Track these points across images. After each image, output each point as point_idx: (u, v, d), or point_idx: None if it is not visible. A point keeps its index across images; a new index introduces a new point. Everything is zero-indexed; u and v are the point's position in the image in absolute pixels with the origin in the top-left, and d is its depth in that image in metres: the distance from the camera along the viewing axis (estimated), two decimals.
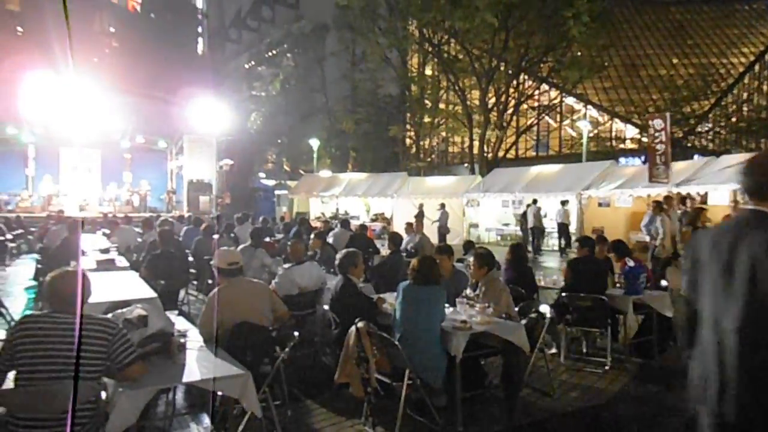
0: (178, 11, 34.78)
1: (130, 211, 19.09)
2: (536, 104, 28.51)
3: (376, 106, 32.33)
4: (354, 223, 13.73)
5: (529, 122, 28.99)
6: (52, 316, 2.69)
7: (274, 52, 37.10)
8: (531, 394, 4.50)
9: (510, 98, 25.77)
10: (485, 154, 25.15)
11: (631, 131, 30.47)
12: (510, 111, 26.15)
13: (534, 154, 32.37)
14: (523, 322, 4.23)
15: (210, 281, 7.46)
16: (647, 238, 9.70)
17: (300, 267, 5.58)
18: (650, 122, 14.77)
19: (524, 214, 16.11)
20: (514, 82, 25.60)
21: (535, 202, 15.70)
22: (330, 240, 9.23)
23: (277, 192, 33.20)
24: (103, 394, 2.76)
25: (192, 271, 8.38)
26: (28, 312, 7.15)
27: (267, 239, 8.28)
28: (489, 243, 17.64)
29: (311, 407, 4.22)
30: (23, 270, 11.46)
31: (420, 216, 16.41)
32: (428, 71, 30.74)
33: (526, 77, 26.69)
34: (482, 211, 19.33)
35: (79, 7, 24.86)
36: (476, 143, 25.57)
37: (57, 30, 16.70)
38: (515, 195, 17.36)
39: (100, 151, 20.94)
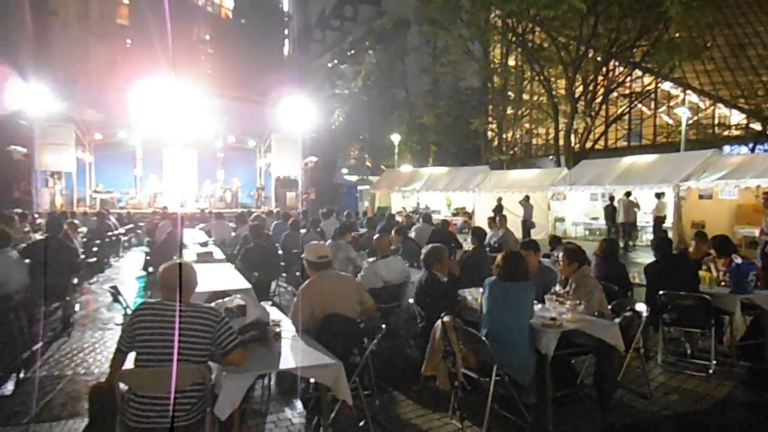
0: (266, 15, 36.34)
1: (223, 207, 20.29)
2: (628, 91, 26.83)
3: (458, 100, 31.97)
4: (435, 218, 13.74)
5: (619, 111, 27.40)
6: (165, 303, 2.94)
7: (356, 49, 37.73)
8: (626, 396, 4.30)
9: (599, 86, 24.51)
10: (572, 146, 24.13)
11: (736, 117, 27.91)
12: (599, 99, 24.88)
13: (625, 144, 30.54)
14: (617, 320, 4.05)
15: (298, 273, 7.76)
16: None
17: (385, 261, 5.68)
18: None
19: (609, 208, 15.27)
20: (604, 69, 24.30)
21: (628, 194, 14.84)
22: (412, 235, 9.31)
23: (359, 187, 33.85)
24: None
25: (281, 263, 8.75)
26: (140, 299, 7.84)
27: (353, 234, 8.47)
28: (576, 238, 16.96)
29: (399, 398, 4.30)
30: (134, 261, 12.58)
31: (498, 210, 16.11)
32: (511, 62, 29.90)
33: (616, 63, 25.21)
34: (569, 205, 18.60)
35: (179, 18, 26.69)
36: (562, 134, 24.58)
37: (161, 41, 18.08)
38: (605, 187, 16.51)
39: (197, 152, 22.39)
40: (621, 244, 14.08)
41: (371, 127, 35.63)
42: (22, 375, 4.88)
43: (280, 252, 8.80)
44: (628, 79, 25.98)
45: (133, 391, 2.81)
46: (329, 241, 7.38)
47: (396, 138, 30.59)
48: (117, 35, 27.21)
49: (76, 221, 10.32)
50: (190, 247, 9.02)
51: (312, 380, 3.54)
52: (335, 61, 40.08)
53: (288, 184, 22.78)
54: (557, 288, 4.50)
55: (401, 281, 5.64)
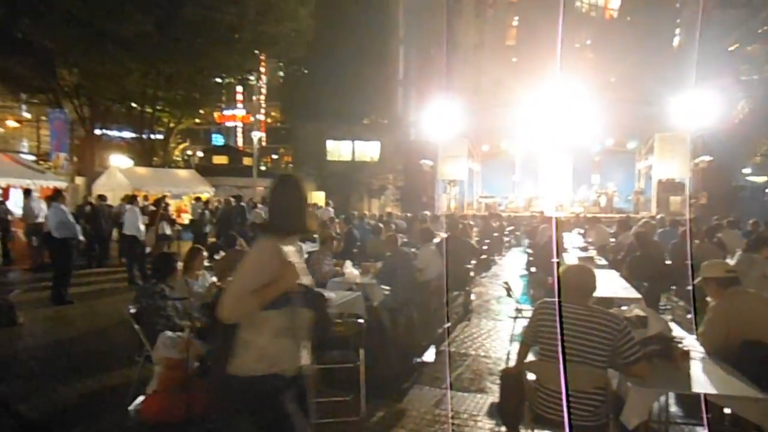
0: (655, 8, 33.30)
1: (597, 211, 19.77)
2: None
3: None
4: None
5: None
6: (567, 305, 3.10)
7: None
8: None
9: None
10: None
11: None
12: None
13: None
14: None
15: (689, 287, 6.92)
16: None
17: None
18: None
19: None
20: None
21: None
22: None
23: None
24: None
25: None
26: (524, 296, 8.44)
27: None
28: None
29: None
30: (514, 260, 13.61)
31: None
32: None
33: None
34: None
35: (564, 29, 26.99)
36: None
37: (546, 54, 18.91)
38: None
39: (572, 156, 22.48)
40: None
41: None
42: (438, 348, 5.95)
43: (668, 262, 8.02)
44: None
45: (541, 382, 3.07)
46: (738, 253, 6.30)
47: None
48: (504, 55, 29.62)
49: (471, 222, 11.87)
50: (569, 251, 9.17)
51: (727, 410, 3.12)
52: (738, 44, 33.66)
53: (672, 187, 20.50)
54: None
55: None
